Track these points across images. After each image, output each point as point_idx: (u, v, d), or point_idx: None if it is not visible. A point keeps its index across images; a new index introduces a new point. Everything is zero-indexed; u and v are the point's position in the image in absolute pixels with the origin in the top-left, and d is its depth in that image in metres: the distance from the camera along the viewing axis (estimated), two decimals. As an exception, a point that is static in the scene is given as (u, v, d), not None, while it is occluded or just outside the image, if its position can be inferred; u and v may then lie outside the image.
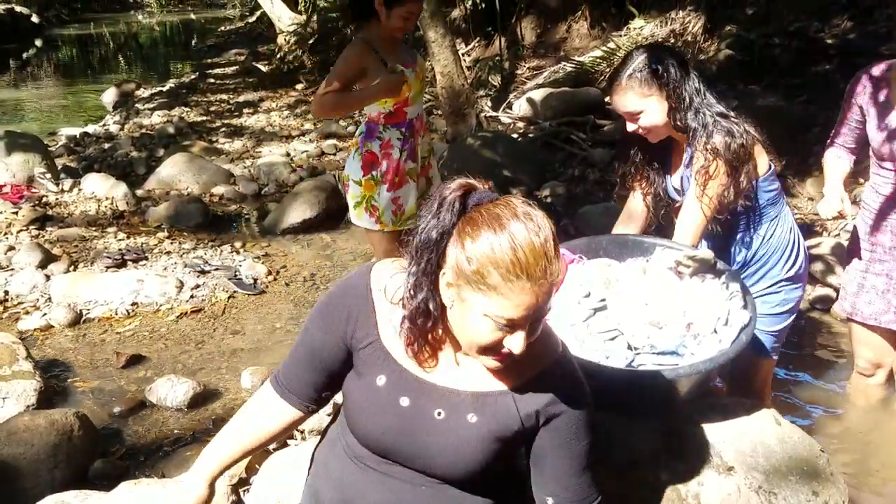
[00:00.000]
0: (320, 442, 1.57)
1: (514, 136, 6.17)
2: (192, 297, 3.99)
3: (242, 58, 12.38)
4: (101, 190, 5.40)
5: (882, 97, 2.47)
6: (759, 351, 2.35)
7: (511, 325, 1.23)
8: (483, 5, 8.21)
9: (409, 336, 1.32)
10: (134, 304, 3.89)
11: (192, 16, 22.82)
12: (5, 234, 4.67)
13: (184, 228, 4.93)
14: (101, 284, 4.00)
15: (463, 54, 7.82)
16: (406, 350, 1.34)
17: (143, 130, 7.77)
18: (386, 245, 3.25)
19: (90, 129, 8.05)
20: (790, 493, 1.95)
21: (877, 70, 2.50)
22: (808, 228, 4.30)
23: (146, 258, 4.39)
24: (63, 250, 4.45)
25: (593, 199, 5.01)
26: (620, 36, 7.10)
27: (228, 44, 14.84)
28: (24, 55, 15.53)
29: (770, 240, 2.29)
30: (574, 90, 6.41)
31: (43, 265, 4.21)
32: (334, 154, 6.76)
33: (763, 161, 2.23)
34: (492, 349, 1.27)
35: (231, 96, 9.41)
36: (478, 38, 8.33)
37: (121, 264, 4.28)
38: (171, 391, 3.10)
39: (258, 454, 2.12)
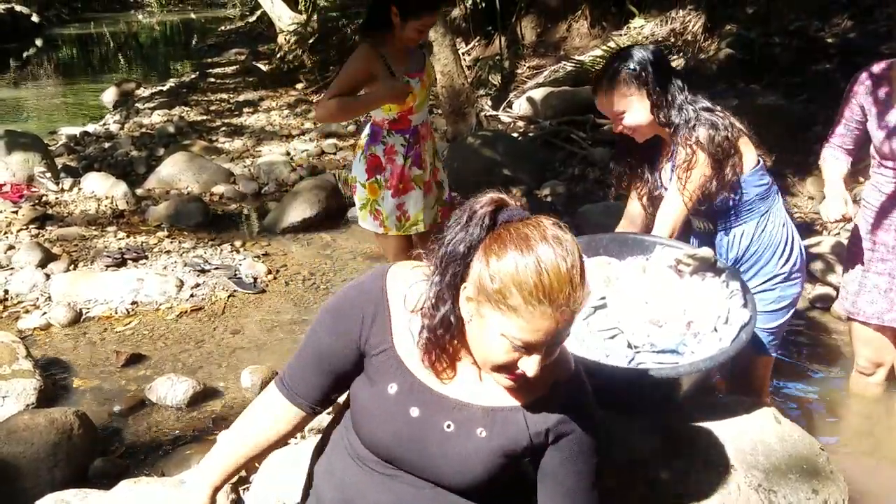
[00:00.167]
0: (321, 440, 1.57)
1: (515, 135, 6.17)
2: (191, 296, 3.99)
3: (243, 57, 12.38)
4: (101, 189, 5.40)
5: (883, 95, 2.47)
6: (758, 348, 2.35)
7: (527, 348, 1.22)
8: (483, 4, 8.20)
9: (428, 346, 1.31)
10: (134, 303, 3.89)
11: (193, 15, 22.81)
12: (5, 233, 4.67)
13: (184, 227, 4.93)
14: (100, 283, 4.00)
15: (463, 53, 7.82)
16: (422, 360, 1.33)
17: (144, 130, 7.77)
18: (395, 249, 3.25)
19: (90, 128, 8.05)
20: (790, 492, 1.95)
21: (877, 68, 2.50)
22: (808, 227, 4.30)
23: (146, 257, 4.39)
24: (63, 249, 4.45)
25: (593, 198, 5.01)
26: (621, 35, 7.10)
27: (229, 43, 14.83)
28: (25, 54, 15.53)
29: (762, 235, 2.29)
30: (574, 89, 6.40)
31: (43, 264, 4.21)
32: (334, 153, 6.76)
33: (751, 155, 2.25)
34: (506, 368, 1.26)
35: (231, 95, 9.41)
36: (478, 38, 8.33)
37: (121, 263, 4.27)
38: (170, 390, 3.10)
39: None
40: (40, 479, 2.54)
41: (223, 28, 17.64)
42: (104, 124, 8.28)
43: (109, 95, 10.11)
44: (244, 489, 2.27)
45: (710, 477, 1.95)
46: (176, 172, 5.84)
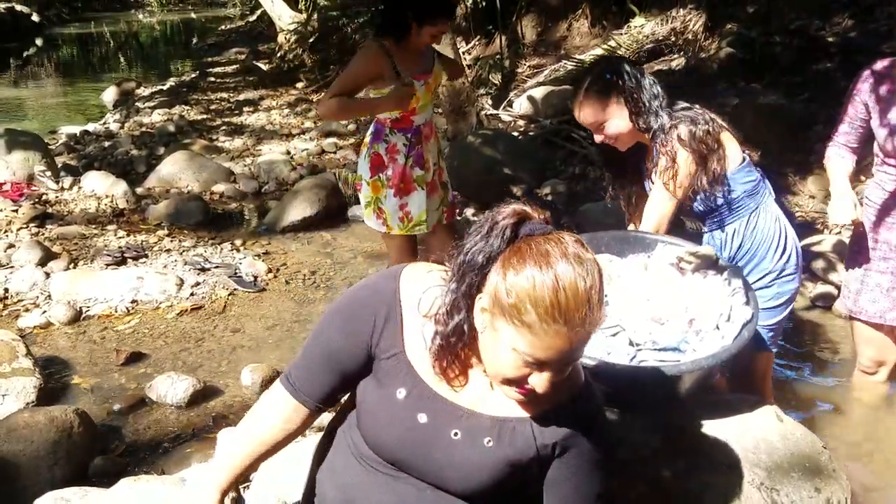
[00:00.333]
0: (323, 439, 1.56)
1: (515, 134, 6.16)
2: (192, 294, 3.98)
3: (243, 56, 12.37)
4: (101, 188, 5.39)
5: (885, 93, 2.46)
6: (758, 345, 2.35)
7: (539, 365, 1.20)
8: (483, 3, 8.20)
9: (440, 353, 1.30)
10: (134, 301, 3.89)
11: (193, 15, 22.81)
12: (5, 231, 4.66)
13: (184, 226, 4.92)
14: (100, 282, 3.99)
15: (463, 52, 7.81)
16: (434, 366, 1.31)
17: (144, 129, 7.76)
18: (399, 248, 3.26)
19: (90, 127, 8.04)
20: (792, 490, 1.94)
21: (880, 66, 2.49)
22: (809, 226, 4.30)
23: (146, 256, 4.38)
24: (63, 248, 4.44)
25: (594, 196, 5.00)
26: (621, 34, 7.09)
27: (229, 42, 14.82)
28: (25, 54, 15.53)
29: (754, 232, 2.30)
30: (575, 88, 6.39)
31: (43, 263, 4.20)
32: (334, 152, 6.75)
33: (736, 152, 2.26)
34: (516, 382, 1.25)
35: (231, 95, 9.40)
36: (478, 37, 8.32)
37: (121, 262, 4.27)
38: (171, 388, 3.09)
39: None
40: (40, 477, 2.54)
41: (223, 27, 17.64)
42: (104, 123, 8.27)
43: (110, 95, 10.10)
44: (244, 487, 2.26)
45: (713, 475, 1.94)
46: (176, 171, 5.83)
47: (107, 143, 7.23)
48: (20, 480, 2.53)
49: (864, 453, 2.63)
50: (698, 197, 2.25)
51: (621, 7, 7.49)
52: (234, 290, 4.06)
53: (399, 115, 3.08)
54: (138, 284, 3.96)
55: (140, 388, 3.19)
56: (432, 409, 1.33)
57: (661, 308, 2.02)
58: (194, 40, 16.60)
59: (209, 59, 12.84)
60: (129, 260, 4.30)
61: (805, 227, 4.20)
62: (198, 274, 4.16)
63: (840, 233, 4.09)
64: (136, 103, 9.16)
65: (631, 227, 2.52)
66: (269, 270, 4.31)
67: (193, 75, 11.08)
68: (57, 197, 5.28)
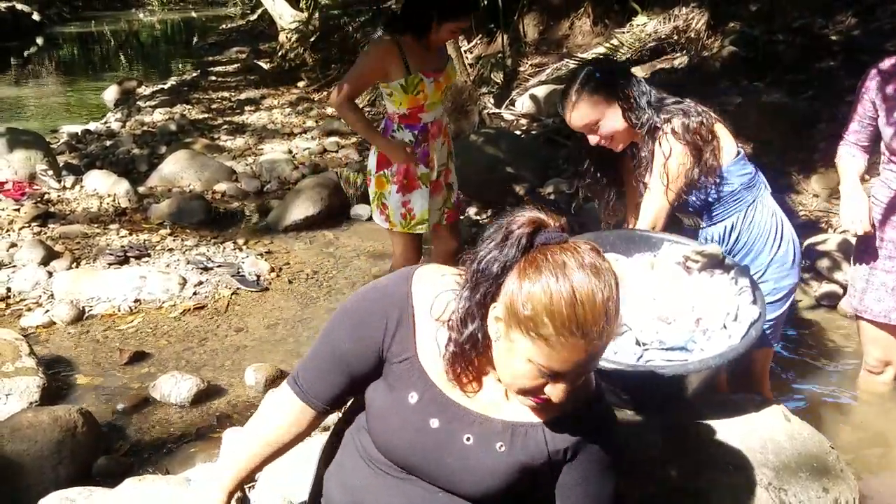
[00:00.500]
0: (329, 440, 1.55)
1: (517, 132, 6.16)
2: (195, 293, 3.97)
3: (244, 55, 12.35)
4: (104, 187, 5.38)
5: (892, 91, 2.46)
6: (758, 341, 2.34)
7: (554, 376, 1.20)
8: (486, 2, 8.18)
9: (453, 360, 1.29)
10: (137, 300, 3.88)
11: (193, 14, 22.77)
12: (7, 230, 4.65)
13: (186, 225, 4.91)
14: (103, 281, 3.98)
15: (465, 51, 7.80)
16: (447, 372, 1.31)
17: (145, 128, 7.74)
18: (402, 246, 3.26)
19: (92, 126, 8.03)
20: (800, 490, 1.94)
21: (886, 64, 2.48)
22: (813, 225, 4.29)
23: (149, 255, 4.37)
24: (65, 247, 4.44)
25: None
26: (623, 33, 7.08)
27: (230, 41, 14.79)
28: (26, 53, 15.50)
29: (751, 225, 2.30)
30: (577, 87, 6.37)
31: (45, 262, 4.19)
32: (336, 151, 6.74)
33: (730, 145, 2.26)
34: (530, 392, 1.24)
35: (233, 94, 9.39)
36: (480, 35, 8.30)
37: (123, 261, 4.26)
38: (174, 388, 3.08)
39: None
40: (44, 476, 2.53)
41: (224, 26, 17.61)
42: (106, 122, 8.26)
43: (111, 94, 10.09)
44: (250, 487, 2.25)
45: (720, 475, 1.93)
46: (178, 170, 5.82)
47: (108, 142, 7.22)
48: (24, 480, 2.52)
49: (872, 453, 2.62)
50: (694, 191, 2.25)
51: (623, 5, 7.48)
52: (237, 289, 4.05)
53: (407, 112, 3.08)
54: (141, 284, 3.95)
55: (143, 387, 3.18)
56: (444, 413, 1.32)
57: (668, 307, 2.01)
58: (195, 39, 16.57)
59: (210, 58, 12.82)
60: (132, 259, 4.29)
61: (809, 226, 4.19)
62: (200, 273, 4.15)
63: (845, 231, 4.08)
64: (138, 102, 9.14)
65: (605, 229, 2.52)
66: (272, 270, 4.30)
67: (195, 74, 11.07)
68: (59, 196, 5.27)
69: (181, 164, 5.87)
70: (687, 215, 2.37)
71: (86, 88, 11.56)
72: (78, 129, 7.86)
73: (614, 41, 6.91)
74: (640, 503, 1.85)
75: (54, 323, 3.70)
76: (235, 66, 11.56)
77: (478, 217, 5.06)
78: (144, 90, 10.08)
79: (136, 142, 7.15)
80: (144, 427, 2.95)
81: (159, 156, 6.57)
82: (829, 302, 3.65)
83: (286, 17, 10.54)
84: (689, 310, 2.00)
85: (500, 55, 7.58)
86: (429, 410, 1.32)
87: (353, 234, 4.91)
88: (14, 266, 4.18)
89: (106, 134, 7.62)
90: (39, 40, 17.22)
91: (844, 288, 3.50)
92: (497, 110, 6.72)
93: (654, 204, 2.24)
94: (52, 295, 3.93)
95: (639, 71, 6.47)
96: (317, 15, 9.92)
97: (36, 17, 18.48)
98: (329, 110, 8.29)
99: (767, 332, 2.38)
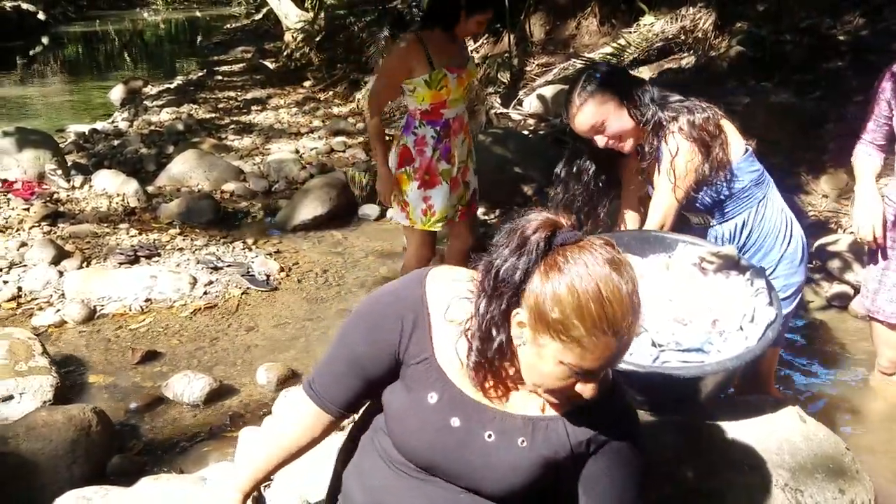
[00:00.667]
0: (347, 441, 1.55)
1: (525, 132, 6.15)
2: (205, 293, 3.98)
3: (249, 55, 12.36)
4: (112, 186, 5.40)
5: (905, 92, 2.46)
6: None
7: (585, 374, 1.21)
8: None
9: (477, 369, 1.29)
10: (147, 300, 3.89)
11: (198, 13, 22.80)
12: (17, 230, 4.66)
13: (195, 225, 4.92)
14: (114, 280, 3.99)
15: (472, 51, 7.80)
16: (471, 379, 1.31)
17: (152, 127, 7.76)
18: (417, 243, 3.28)
19: (99, 125, 8.04)
20: (816, 491, 1.94)
21: (900, 65, 2.49)
22: (823, 225, 4.28)
23: (159, 255, 4.38)
24: (75, 246, 4.45)
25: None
26: (630, 33, 7.08)
27: (235, 41, 14.81)
28: (31, 52, 15.53)
29: (762, 222, 2.31)
30: (584, 87, 6.37)
31: (56, 261, 4.20)
32: (343, 151, 6.75)
33: (738, 142, 2.27)
34: (561, 392, 1.25)
35: (239, 93, 9.40)
36: (486, 35, 8.30)
37: (133, 260, 4.27)
38: (187, 387, 3.09)
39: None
40: (59, 475, 2.54)
41: (229, 26, 17.64)
42: (113, 122, 8.27)
43: (117, 93, 10.11)
44: (265, 486, 2.26)
45: (736, 476, 1.94)
46: (186, 170, 5.83)
47: (116, 142, 7.24)
48: (39, 479, 2.53)
49: (886, 454, 2.61)
50: (705, 188, 2.25)
51: (630, 5, 7.47)
52: (247, 288, 4.06)
53: (430, 107, 3.11)
54: (152, 283, 3.96)
55: (156, 386, 3.19)
56: (465, 412, 1.32)
57: (684, 308, 2.02)
58: (199, 38, 16.59)
59: (215, 58, 12.83)
60: (142, 258, 4.30)
61: (818, 227, 4.19)
62: (211, 273, 4.16)
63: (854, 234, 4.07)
64: (144, 102, 9.16)
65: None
66: (282, 269, 4.31)
67: (200, 74, 11.08)
68: (68, 195, 5.28)
69: (189, 164, 5.88)
70: (696, 213, 2.37)
71: (90, 88, 11.58)
72: (85, 128, 7.88)
73: (621, 41, 6.91)
74: (656, 504, 1.86)
75: (65, 322, 3.71)
76: (241, 65, 11.57)
77: (486, 217, 5.06)
78: (150, 90, 10.10)
79: (144, 141, 7.16)
80: (157, 426, 2.96)
81: (167, 155, 6.59)
82: (840, 303, 3.65)
83: (292, 17, 10.56)
84: (705, 311, 2.00)
85: (506, 55, 7.58)
86: (449, 410, 1.32)
87: (361, 233, 4.92)
88: (25, 265, 4.20)
89: (113, 133, 7.63)
90: (44, 40, 17.26)
91: (855, 289, 3.51)
92: (504, 110, 6.72)
93: (662, 202, 2.25)
94: (62, 294, 3.94)
95: (646, 71, 6.48)
96: (322, 15, 9.93)
97: (41, 16, 18.54)
98: (335, 110, 8.31)
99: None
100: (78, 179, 5.50)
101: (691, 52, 6.60)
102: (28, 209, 4.94)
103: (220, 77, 10.65)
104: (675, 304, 2.03)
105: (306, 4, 10.53)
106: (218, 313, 3.83)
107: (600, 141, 2.26)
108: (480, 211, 5.09)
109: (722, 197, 2.28)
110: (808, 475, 1.96)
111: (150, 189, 5.54)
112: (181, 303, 3.88)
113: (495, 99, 6.98)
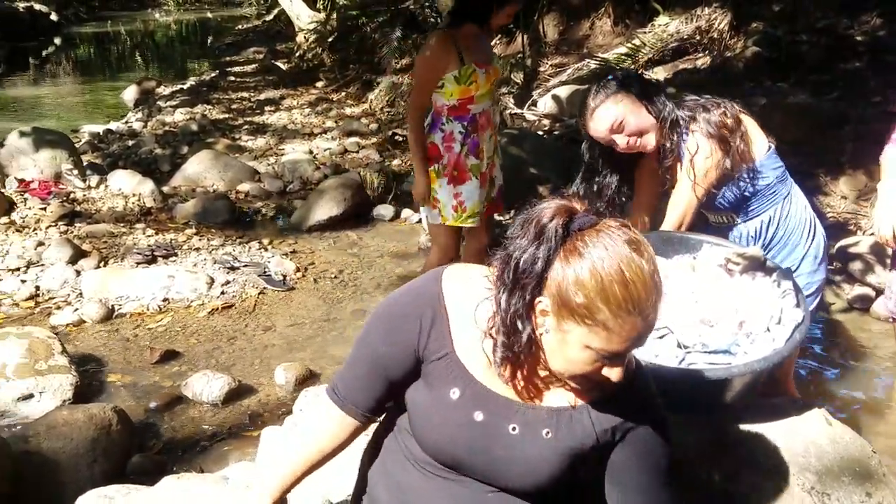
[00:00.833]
0: (372, 441, 1.54)
1: (540, 133, 6.14)
2: (222, 293, 3.99)
3: (261, 56, 12.38)
4: (128, 186, 5.42)
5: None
6: None
7: (611, 357, 1.20)
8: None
9: (504, 364, 1.28)
10: (165, 299, 3.90)
11: (209, 14, 22.86)
12: (34, 229, 4.69)
13: (211, 225, 4.93)
14: (131, 280, 4.01)
15: (485, 52, 7.79)
16: (500, 375, 1.30)
17: (167, 128, 7.78)
18: (445, 239, 3.28)
19: (113, 126, 8.07)
20: (843, 495, 1.92)
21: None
22: (842, 227, 4.26)
23: (176, 254, 4.39)
24: (93, 246, 4.47)
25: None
26: (645, 33, 7.05)
27: (246, 42, 14.84)
28: (44, 53, 15.62)
29: (787, 218, 2.31)
30: (599, 88, 6.36)
31: (73, 261, 4.22)
32: (357, 152, 6.75)
33: (761, 138, 2.26)
34: (587, 377, 1.24)
35: (252, 94, 9.42)
36: (500, 35, 8.29)
37: (151, 260, 4.28)
38: (206, 386, 3.10)
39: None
40: (80, 474, 2.56)
41: (240, 27, 17.66)
42: (127, 122, 8.31)
43: (130, 93, 10.15)
44: (287, 487, 2.26)
45: (762, 478, 1.92)
46: (201, 170, 5.85)
47: (130, 142, 7.26)
48: (60, 478, 2.54)
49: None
50: (729, 185, 2.24)
51: (645, 5, 7.44)
52: (264, 288, 4.07)
53: (457, 103, 3.12)
54: (169, 283, 3.98)
55: (175, 385, 3.20)
56: (488, 406, 1.32)
57: (711, 310, 2.00)
58: (210, 39, 16.63)
59: (227, 59, 12.86)
60: (160, 258, 4.31)
61: (838, 228, 4.17)
62: (227, 273, 4.17)
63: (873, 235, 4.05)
64: (158, 102, 9.19)
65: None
66: (298, 269, 4.31)
67: (213, 74, 11.11)
68: (84, 195, 5.30)
69: (204, 165, 5.90)
70: (717, 213, 2.36)
71: (103, 88, 11.63)
72: (99, 128, 7.91)
73: (636, 41, 6.88)
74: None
75: (84, 321, 3.73)
76: (253, 66, 11.59)
77: (500, 217, 5.05)
78: (164, 90, 10.13)
79: (158, 142, 7.18)
80: (177, 425, 2.97)
81: (181, 156, 6.61)
82: (862, 305, 3.62)
83: (304, 18, 10.57)
84: (731, 312, 1.99)
85: (520, 55, 7.57)
86: (472, 404, 1.31)
87: (376, 234, 4.93)
88: (42, 265, 4.22)
89: (128, 134, 7.66)
90: (57, 40, 17.34)
91: (877, 291, 3.48)
92: (519, 111, 6.71)
93: (682, 200, 2.25)
94: (80, 293, 3.95)
95: (661, 71, 6.46)
96: (334, 15, 9.95)
97: (53, 17, 18.62)
98: (348, 111, 8.31)
99: None
100: (94, 179, 5.52)
101: (706, 52, 6.57)
102: (45, 209, 4.96)
103: (232, 78, 10.68)
104: (702, 306, 2.02)
105: (318, 5, 10.55)
106: (235, 313, 3.84)
107: (621, 142, 2.24)
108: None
109: (747, 194, 2.27)
110: (835, 478, 1.95)
111: (165, 189, 5.56)
112: (199, 302, 3.89)
113: (509, 99, 6.97)
